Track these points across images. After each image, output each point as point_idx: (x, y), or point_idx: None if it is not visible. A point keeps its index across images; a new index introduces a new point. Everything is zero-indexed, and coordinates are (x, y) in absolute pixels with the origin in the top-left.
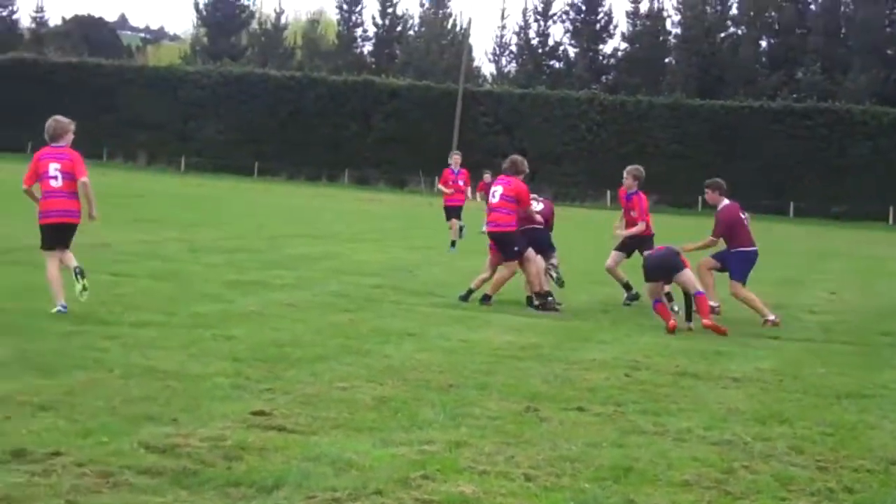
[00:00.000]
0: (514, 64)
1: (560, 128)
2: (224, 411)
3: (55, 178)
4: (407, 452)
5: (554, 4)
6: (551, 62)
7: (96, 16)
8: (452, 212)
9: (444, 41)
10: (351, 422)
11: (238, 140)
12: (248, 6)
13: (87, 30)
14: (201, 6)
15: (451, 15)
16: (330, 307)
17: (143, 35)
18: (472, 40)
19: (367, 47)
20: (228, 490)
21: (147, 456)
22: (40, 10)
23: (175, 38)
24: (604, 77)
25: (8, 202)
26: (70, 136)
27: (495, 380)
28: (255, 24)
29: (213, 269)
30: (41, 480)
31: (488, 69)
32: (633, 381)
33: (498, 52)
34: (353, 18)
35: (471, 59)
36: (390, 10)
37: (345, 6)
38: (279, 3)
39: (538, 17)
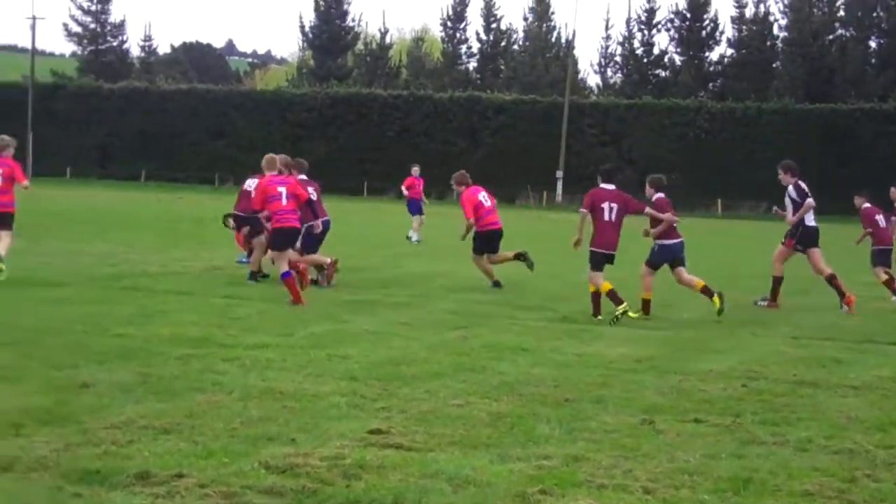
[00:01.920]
0: (619, 74)
1: (668, 137)
2: (341, 430)
3: None
4: (524, 468)
5: (658, 13)
6: (657, 71)
7: (204, 42)
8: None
9: (548, 54)
10: (467, 438)
11: (346, 160)
12: (353, 27)
13: (195, 56)
14: (307, 29)
15: (555, 28)
16: (444, 324)
17: (250, 60)
18: (576, 52)
19: (472, 63)
20: None
21: (268, 476)
22: (149, 38)
23: (282, 61)
24: (711, 84)
25: (126, 230)
26: (10, 150)
27: (610, 393)
28: (360, 45)
29: (327, 290)
30: (165, 502)
31: (594, 80)
32: (750, 391)
33: (603, 63)
34: (458, 35)
35: (576, 72)
36: (494, 26)
37: (449, 23)
38: (383, 23)
39: (642, 27)
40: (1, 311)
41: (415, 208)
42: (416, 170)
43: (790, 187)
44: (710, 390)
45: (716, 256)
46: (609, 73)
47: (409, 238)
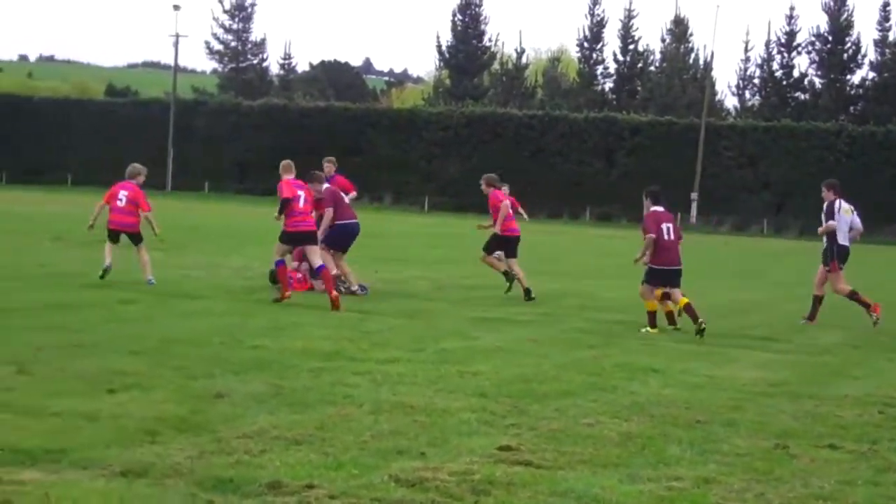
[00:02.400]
0: (757, 97)
1: (806, 160)
2: (471, 446)
3: (121, 200)
4: (654, 489)
5: (798, 35)
6: (796, 94)
7: (342, 61)
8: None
9: (685, 76)
10: (597, 457)
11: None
12: (489, 47)
13: (333, 75)
14: (444, 48)
15: (692, 49)
16: (574, 343)
17: (387, 78)
18: (714, 74)
19: (608, 84)
20: None
21: (397, 489)
22: (288, 56)
23: (418, 80)
24: (852, 107)
25: (262, 244)
26: (141, 178)
27: (743, 416)
28: (496, 65)
29: (457, 306)
30: None
31: (731, 102)
32: (887, 418)
33: (741, 85)
34: (594, 56)
35: (713, 93)
36: (631, 47)
37: (586, 44)
38: (520, 43)
39: (782, 49)
40: (140, 321)
41: None
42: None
43: (825, 204)
44: (845, 416)
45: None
46: (747, 95)
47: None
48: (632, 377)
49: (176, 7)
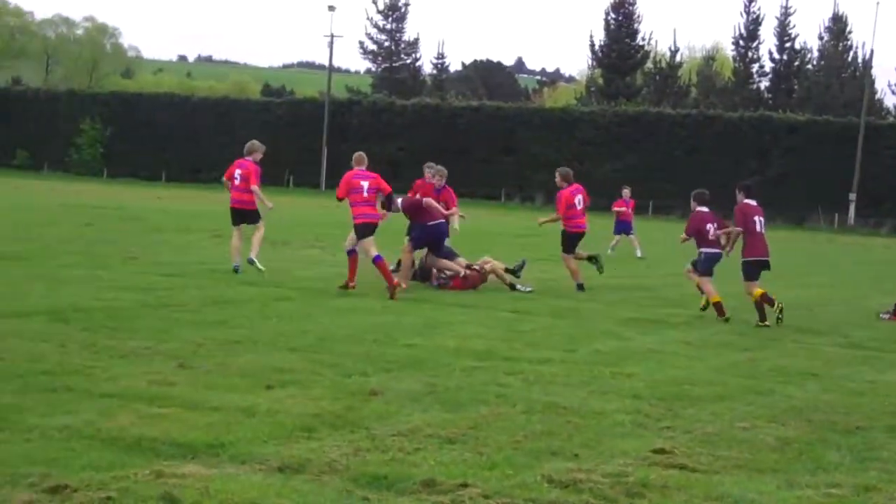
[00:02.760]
0: None
1: None
2: (625, 448)
3: (237, 178)
4: (812, 495)
5: None
6: None
7: (494, 60)
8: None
9: (844, 74)
10: (753, 462)
11: (633, 179)
12: (643, 46)
13: (485, 74)
14: (597, 47)
15: (851, 47)
16: (728, 346)
17: (539, 77)
18: (873, 72)
19: (764, 83)
20: None
21: (551, 490)
22: (441, 56)
23: (570, 79)
24: None
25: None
26: (258, 156)
27: None
28: (649, 64)
29: (609, 307)
30: None
31: (891, 101)
32: None
33: None
34: (750, 54)
35: (873, 92)
36: (788, 45)
37: (741, 42)
38: (674, 42)
39: None
40: (296, 318)
41: (619, 228)
42: (626, 192)
43: None
44: None
45: None
46: None
47: (638, 256)
48: (789, 381)
49: (331, 8)
